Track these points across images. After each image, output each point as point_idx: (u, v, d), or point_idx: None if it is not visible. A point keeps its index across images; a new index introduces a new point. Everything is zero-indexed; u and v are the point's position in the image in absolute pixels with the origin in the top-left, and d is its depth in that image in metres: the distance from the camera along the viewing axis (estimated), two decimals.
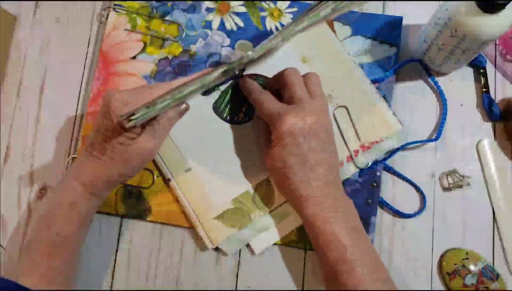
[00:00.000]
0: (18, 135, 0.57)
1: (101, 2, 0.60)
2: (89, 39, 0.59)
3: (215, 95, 0.56)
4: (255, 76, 0.55)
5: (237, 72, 0.52)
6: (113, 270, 0.54)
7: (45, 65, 0.59)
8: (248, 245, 0.54)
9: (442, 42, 0.51)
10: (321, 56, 0.57)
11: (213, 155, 0.54)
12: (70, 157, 0.56)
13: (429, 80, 0.58)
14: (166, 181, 0.54)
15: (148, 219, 0.54)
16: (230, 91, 0.56)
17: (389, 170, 0.55)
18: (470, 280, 0.52)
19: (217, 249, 0.53)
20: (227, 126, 0.55)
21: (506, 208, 0.55)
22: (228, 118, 0.55)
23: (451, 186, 0.55)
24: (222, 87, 0.56)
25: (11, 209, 0.55)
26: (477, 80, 0.58)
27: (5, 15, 0.58)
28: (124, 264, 0.54)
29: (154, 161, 0.54)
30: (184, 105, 0.49)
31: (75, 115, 0.57)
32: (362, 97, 0.55)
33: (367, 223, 0.53)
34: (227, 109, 0.55)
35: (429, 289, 0.54)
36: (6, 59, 0.59)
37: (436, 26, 0.51)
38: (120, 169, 0.46)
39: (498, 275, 0.52)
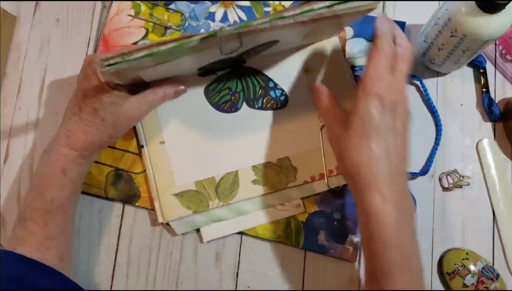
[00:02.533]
0: (18, 135, 0.57)
1: (100, 3, 0.60)
2: (89, 39, 0.59)
3: (211, 78, 0.56)
4: (256, 72, 0.56)
5: (235, 57, 0.51)
6: (113, 270, 0.54)
7: (45, 65, 0.59)
8: (198, 230, 0.54)
9: (442, 42, 0.51)
10: (324, 70, 0.56)
11: (191, 135, 0.54)
12: None
13: (428, 103, 0.57)
14: (139, 147, 0.54)
15: (136, 204, 0.54)
16: (226, 79, 0.56)
17: None
18: (470, 280, 0.52)
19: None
20: (212, 111, 0.55)
21: (506, 208, 0.55)
22: (216, 104, 0.55)
23: (451, 186, 0.55)
24: (220, 73, 0.56)
25: (11, 208, 0.55)
26: (477, 80, 0.58)
27: (5, 15, 0.58)
28: (124, 264, 0.54)
29: (134, 127, 0.54)
30: (182, 87, 0.51)
31: None
32: None
33: (356, 223, 0.53)
34: (218, 95, 0.55)
35: (429, 289, 0.54)
36: (6, 59, 0.59)
37: (436, 26, 0.51)
38: (110, 130, 0.47)
39: (498, 275, 0.52)
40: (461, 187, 0.55)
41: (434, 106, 0.57)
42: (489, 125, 0.57)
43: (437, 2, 0.56)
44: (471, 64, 0.58)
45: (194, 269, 0.54)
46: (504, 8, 0.45)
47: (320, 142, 0.54)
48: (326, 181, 0.53)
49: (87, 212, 0.55)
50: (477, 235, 0.55)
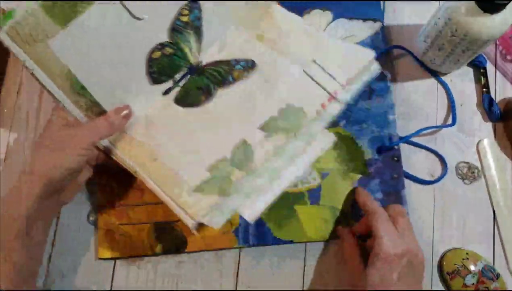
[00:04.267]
0: (18, 135, 0.57)
1: None
2: None
3: (176, 90, 0.54)
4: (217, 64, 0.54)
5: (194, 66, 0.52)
6: (113, 270, 0.54)
7: None
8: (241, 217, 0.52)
9: (442, 42, 0.51)
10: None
11: (179, 139, 0.51)
12: None
13: (430, 75, 0.58)
14: (133, 173, 0.50)
15: (187, 251, 0.53)
16: (190, 83, 0.54)
17: (407, 140, 0.56)
18: (470, 280, 0.52)
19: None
20: (192, 110, 0.53)
21: (506, 208, 0.55)
22: (191, 103, 0.53)
23: (467, 176, 0.56)
24: (182, 83, 0.54)
25: None
26: (477, 80, 0.58)
27: None
28: (124, 264, 0.54)
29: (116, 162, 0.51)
30: (125, 111, 0.49)
31: None
32: (326, 46, 0.54)
33: (398, 196, 0.54)
34: (191, 98, 0.53)
35: (429, 289, 0.54)
36: (6, 59, 0.59)
37: (436, 26, 0.51)
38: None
39: (498, 275, 0.52)
40: (475, 178, 0.56)
41: (438, 77, 0.57)
42: (489, 125, 0.57)
43: (437, 2, 0.56)
44: (471, 64, 0.58)
45: (194, 269, 0.54)
46: (504, 8, 0.45)
47: (309, 78, 0.52)
48: (336, 100, 0.50)
49: (86, 212, 0.55)
50: (477, 235, 0.55)
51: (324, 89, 0.51)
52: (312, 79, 0.52)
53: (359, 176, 0.55)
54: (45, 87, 0.48)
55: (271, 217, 0.54)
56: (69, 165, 0.45)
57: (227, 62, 0.54)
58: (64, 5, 0.47)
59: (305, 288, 0.53)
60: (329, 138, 0.51)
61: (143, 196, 0.54)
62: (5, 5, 0.44)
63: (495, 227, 0.55)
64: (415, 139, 0.56)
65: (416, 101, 0.58)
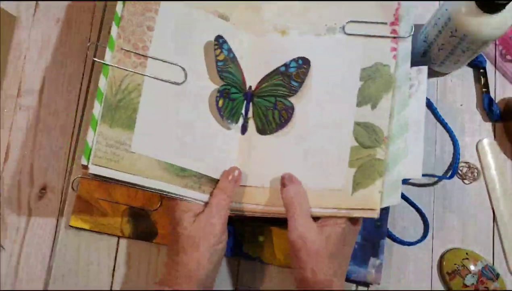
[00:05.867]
0: (18, 135, 0.57)
1: (101, 3, 0.60)
2: (89, 39, 0.59)
3: (251, 123, 0.53)
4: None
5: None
6: (113, 270, 0.54)
7: (45, 65, 0.59)
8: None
9: (442, 42, 0.51)
10: None
11: (295, 159, 0.51)
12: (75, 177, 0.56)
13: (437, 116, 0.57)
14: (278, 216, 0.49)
15: (154, 241, 0.54)
16: (258, 109, 0.54)
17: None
18: (470, 280, 0.52)
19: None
20: (285, 130, 0.52)
21: (506, 208, 0.55)
22: (279, 123, 0.52)
23: (467, 176, 0.56)
24: (250, 114, 0.53)
25: (11, 209, 0.55)
26: (477, 80, 0.58)
27: (5, 15, 0.58)
28: (124, 264, 0.54)
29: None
30: (236, 171, 0.50)
31: (75, 115, 0.57)
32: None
33: (377, 245, 0.53)
34: (268, 118, 0.53)
35: (429, 289, 0.54)
36: (6, 59, 0.59)
37: (436, 26, 0.51)
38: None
39: (498, 275, 0.52)
40: (474, 178, 0.56)
41: (447, 124, 0.57)
42: (489, 125, 0.57)
43: (437, 2, 0.56)
44: (471, 64, 0.58)
45: None
46: (504, 8, 0.45)
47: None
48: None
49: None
50: (477, 235, 0.55)
51: (379, 36, 0.51)
52: (357, 35, 0.52)
53: None
54: (156, 190, 0.48)
55: (245, 231, 0.54)
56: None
57: (276, 71, 0.53)
58: (118, 105, 0.47)
59: None
60: (423, 69, 0.52)
61: None
62: (6, 6, 0.44)
63: (495, 227, 0.55)
64: None
65: None
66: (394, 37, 0.50)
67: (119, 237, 0.54)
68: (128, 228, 0.54)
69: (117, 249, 0.54)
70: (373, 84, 0.50)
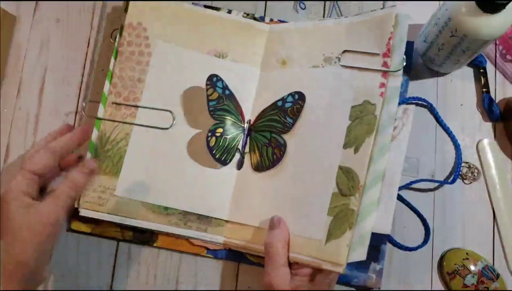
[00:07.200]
0: (18, 135, 0.57)
1: (101, 3, 0.60)
2: (89, 39, 0.59)
3: (247, 159, 0.54)
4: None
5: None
6: (113, 270, 0.54)
7: (45, 65, 0.59)
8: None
9: (442, 42, 0.51)
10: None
11: (285, 201, 0.51)
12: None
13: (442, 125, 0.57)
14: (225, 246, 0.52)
15: (154, 245, 0.53)
16: (254, 145, 0.54)
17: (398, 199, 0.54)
18: (470, 280, 0.52)
19: None
20: (275, 170, 0.52)
21: (506, 208, 0.55)
22: (272, 162, 0.52)
23: (467, 176, 0.55)
24: (246, 149, 0.54)
25: None
26: (477, 80, 0.58)
27: (5, 15, 0.58)
28: (124, 264, 0.54)
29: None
30: (93, 164, 0.48)
31: (75, 115, 0.57)
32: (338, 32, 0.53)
33: (378, 250, 0.52)
34: (264, 155, 0.53)
35: (429, 289, 0.54)
36: (6, 59, 0.59)
37: (436, 26, 0.51)
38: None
39: (498, 275, 0.52)
40: (474, 178, 0.56)
41: (449, 128, 0.57)
42: (489, 125, 0.57)
43: (437, 2, 0.56)
44: (471, 64, 0.58)
45: (194, 269, 0.54)
46: (504, 8, 0.45)
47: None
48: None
49: None
50: (477, 235, 0.55)
51: (370, 69, 0.50)
52: (351, 67, 0.51)
53: None
54: (149, 230, 0.52)
55: None
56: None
57: (273, 105, 0.53)
58: (106, 156, 0.52)
59: None
60: (410, 109, 0.52)
61: None
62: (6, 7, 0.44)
63: (495, 227, 0.55)
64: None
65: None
66: (385, 71, 0.49)
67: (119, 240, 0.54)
68: (129, 233, 0.53)
69: (117, 249, 0.54)
70: (359, 125, 0.48)
